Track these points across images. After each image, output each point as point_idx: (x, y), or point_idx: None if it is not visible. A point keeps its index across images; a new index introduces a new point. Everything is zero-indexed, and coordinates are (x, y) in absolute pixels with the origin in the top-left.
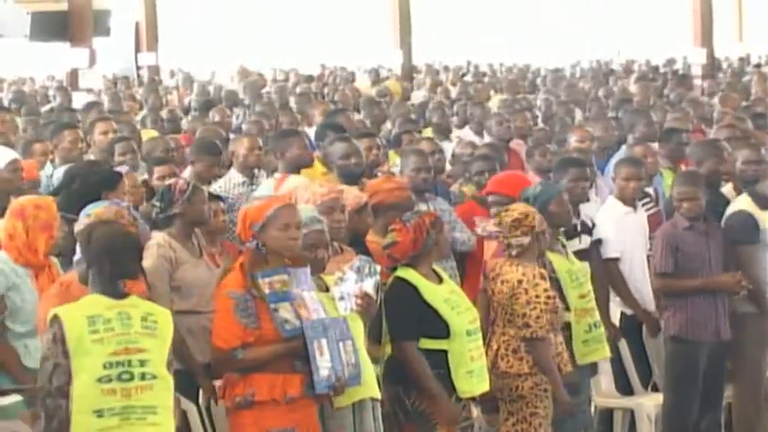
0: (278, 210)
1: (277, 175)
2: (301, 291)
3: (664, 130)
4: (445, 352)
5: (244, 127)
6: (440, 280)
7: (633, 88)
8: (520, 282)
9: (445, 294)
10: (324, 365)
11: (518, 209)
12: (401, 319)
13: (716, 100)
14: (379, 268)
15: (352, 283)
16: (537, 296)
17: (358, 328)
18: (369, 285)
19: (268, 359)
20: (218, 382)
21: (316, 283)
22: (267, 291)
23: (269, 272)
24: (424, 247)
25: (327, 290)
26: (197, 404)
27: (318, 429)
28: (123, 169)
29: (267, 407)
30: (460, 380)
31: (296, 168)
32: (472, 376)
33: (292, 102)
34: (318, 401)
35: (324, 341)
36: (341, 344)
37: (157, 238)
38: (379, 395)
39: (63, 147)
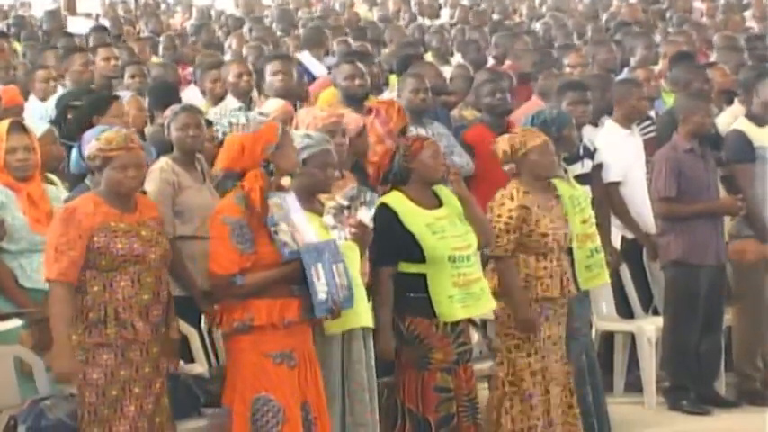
0: (284, 129)
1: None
2: (291, 215)
3: (674, 54)
4: (425, 276)
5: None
6: (439, 204)
7: (624, 10)
8: (494, 200)
9: (429, 219)
10: (321, 289)
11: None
12: (378, 244)
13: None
14: (375, 197)
15: (345, 211)
16: (499, 215)
17: (354, 257)
18: (363, 214)
19: (267, 285)
20: (216, 307)
21: (313, 206)
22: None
23: (269, 194)
24: (392, 172)
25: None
26: (199, 329)
27: (314, 352)
28: (127, 93)
29: (266, 331)
30: (440, 304)
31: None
32: (453, 301)
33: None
34: (313, 325)
35: (320, 265)
36: (333, 266)
37: (160, 162)
38: (371, 324)
39: (74, 70)
